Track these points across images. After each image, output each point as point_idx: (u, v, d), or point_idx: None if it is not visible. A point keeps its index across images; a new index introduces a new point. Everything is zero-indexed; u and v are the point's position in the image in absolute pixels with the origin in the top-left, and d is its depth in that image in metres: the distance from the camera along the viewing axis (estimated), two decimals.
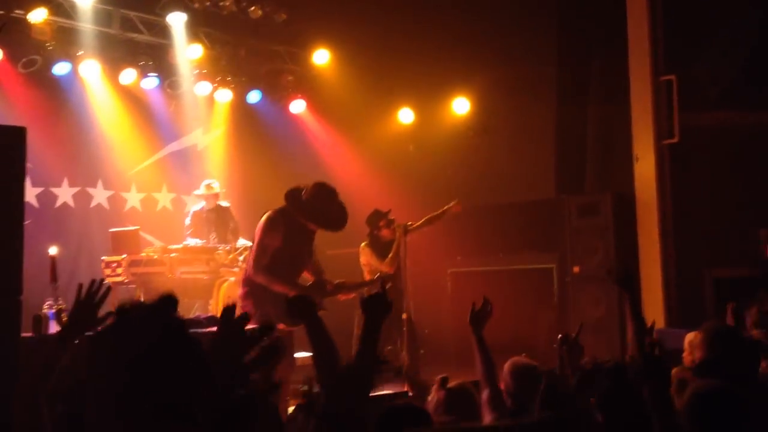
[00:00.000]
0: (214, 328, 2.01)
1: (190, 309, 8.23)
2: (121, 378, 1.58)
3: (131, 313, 1.65)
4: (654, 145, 7.91)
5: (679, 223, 7.86)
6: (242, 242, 8.39)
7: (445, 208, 7.54)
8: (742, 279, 7.09)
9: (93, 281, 2.77)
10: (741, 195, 7.69)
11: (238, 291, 5.77)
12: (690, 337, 3.92)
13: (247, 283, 5.60)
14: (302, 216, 5.57)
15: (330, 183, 5.79)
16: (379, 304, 2.60)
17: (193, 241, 8.40)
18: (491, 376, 3.52)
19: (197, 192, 8.79)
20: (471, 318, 3.65)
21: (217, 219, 8.63)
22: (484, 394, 3.46)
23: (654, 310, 7.37)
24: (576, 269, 8.46)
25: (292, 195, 5.60)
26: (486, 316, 3.69)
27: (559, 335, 3.40)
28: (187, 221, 8.69)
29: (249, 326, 1.84)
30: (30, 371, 2.58)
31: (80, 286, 2.76)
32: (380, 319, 2.59)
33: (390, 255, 7.21)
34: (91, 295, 2.75)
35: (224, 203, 8.78)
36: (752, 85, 7.73)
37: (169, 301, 1.67)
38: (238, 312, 1.85)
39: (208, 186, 8.70)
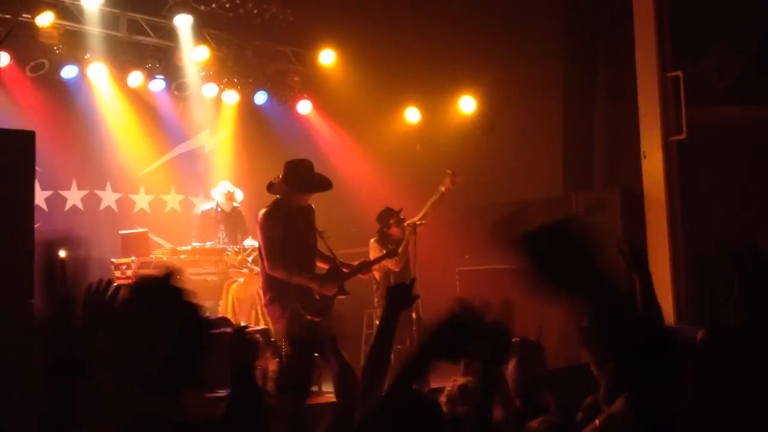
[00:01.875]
0: (226, 329, 2.07)
1: None
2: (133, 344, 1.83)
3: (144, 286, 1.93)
4: (661, 141, 7.87)
5: (688, 219, 7.82)
6: (249, 242, 8.41)
7: (443, 189, 7.39)
8: None
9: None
10: (750, 190, 7.65)
11: (262, 299, 5.75)
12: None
13: (270, 287, 5.56)
14: (294, 190, 5.60)
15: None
16: (403, 295, 2.62)
17: (199, 243, 8.42)
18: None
19: (215, 193, 8.77)
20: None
21: (226, 219, 8.64)
22: None
23: (663, 308, 7.35)
24: None
25: (273, 185, 5.74)
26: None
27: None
28: (196, 221, 8.71)
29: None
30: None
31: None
32: (399, 309, 2.61)
33: (399, 252, 7.21)
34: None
35: (237, 204, 8.80)
36: (760, 79, 7.69)
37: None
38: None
39: (229, 194, 8.65)
